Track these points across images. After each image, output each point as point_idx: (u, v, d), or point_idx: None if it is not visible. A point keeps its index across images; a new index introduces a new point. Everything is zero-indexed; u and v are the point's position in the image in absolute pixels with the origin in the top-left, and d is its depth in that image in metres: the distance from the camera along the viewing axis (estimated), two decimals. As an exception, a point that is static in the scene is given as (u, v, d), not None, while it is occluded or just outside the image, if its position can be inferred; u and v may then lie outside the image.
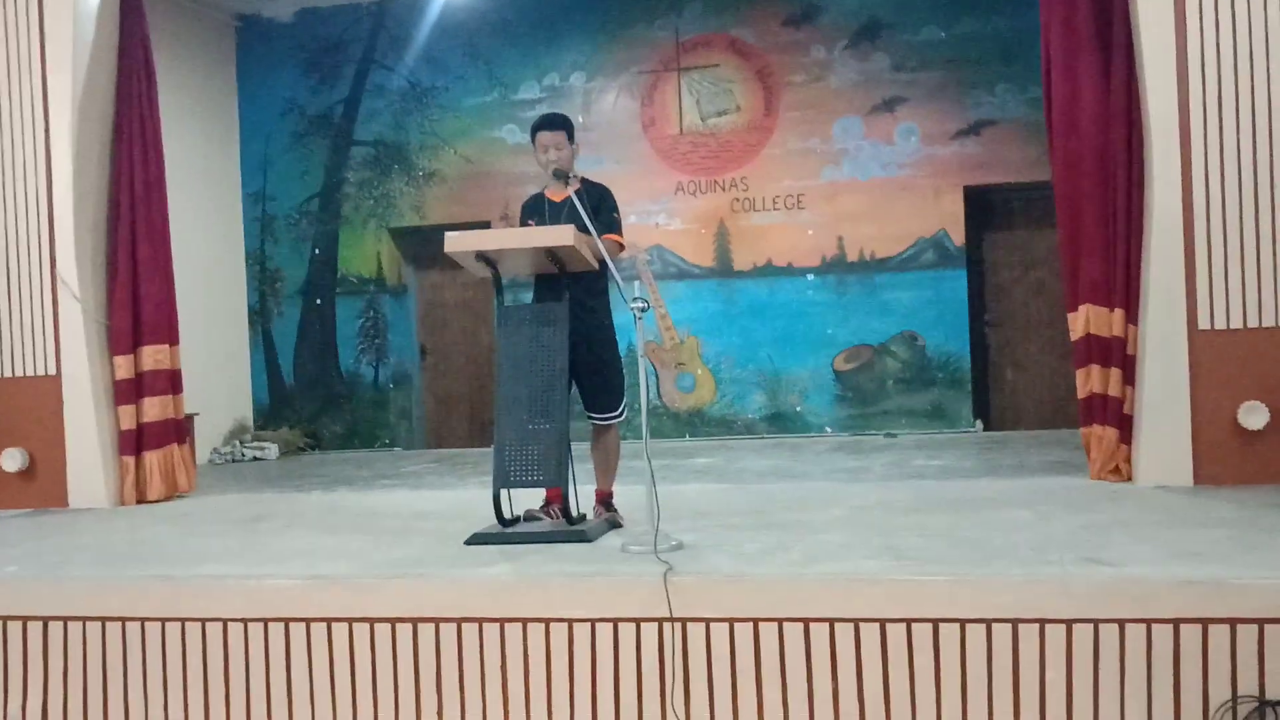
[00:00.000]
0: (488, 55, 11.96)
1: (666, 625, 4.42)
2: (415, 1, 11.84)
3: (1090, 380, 6.93)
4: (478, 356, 12.29)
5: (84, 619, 4.99)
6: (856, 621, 4.29)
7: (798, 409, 11.29)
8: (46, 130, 8.02)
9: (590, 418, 5.96)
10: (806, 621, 4.32)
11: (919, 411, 11.06)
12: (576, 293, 5.68)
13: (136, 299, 8.13)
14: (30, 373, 8.04)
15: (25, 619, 5.06)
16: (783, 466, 8.87)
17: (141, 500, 8.05)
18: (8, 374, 8.08)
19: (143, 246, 8.16)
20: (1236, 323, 6.49)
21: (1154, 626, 4.07)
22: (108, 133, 8.18)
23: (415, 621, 4.64)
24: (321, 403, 12.40)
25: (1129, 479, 6.75)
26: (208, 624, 4.85)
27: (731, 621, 4.38)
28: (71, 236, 7.94)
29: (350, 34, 12.30)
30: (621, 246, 5.84)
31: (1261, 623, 4.00)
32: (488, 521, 5.65)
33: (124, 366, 8.04)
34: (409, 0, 11.91)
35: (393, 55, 12.22)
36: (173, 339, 8.30)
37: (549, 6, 11.76)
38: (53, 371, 8.02)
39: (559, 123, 5.90)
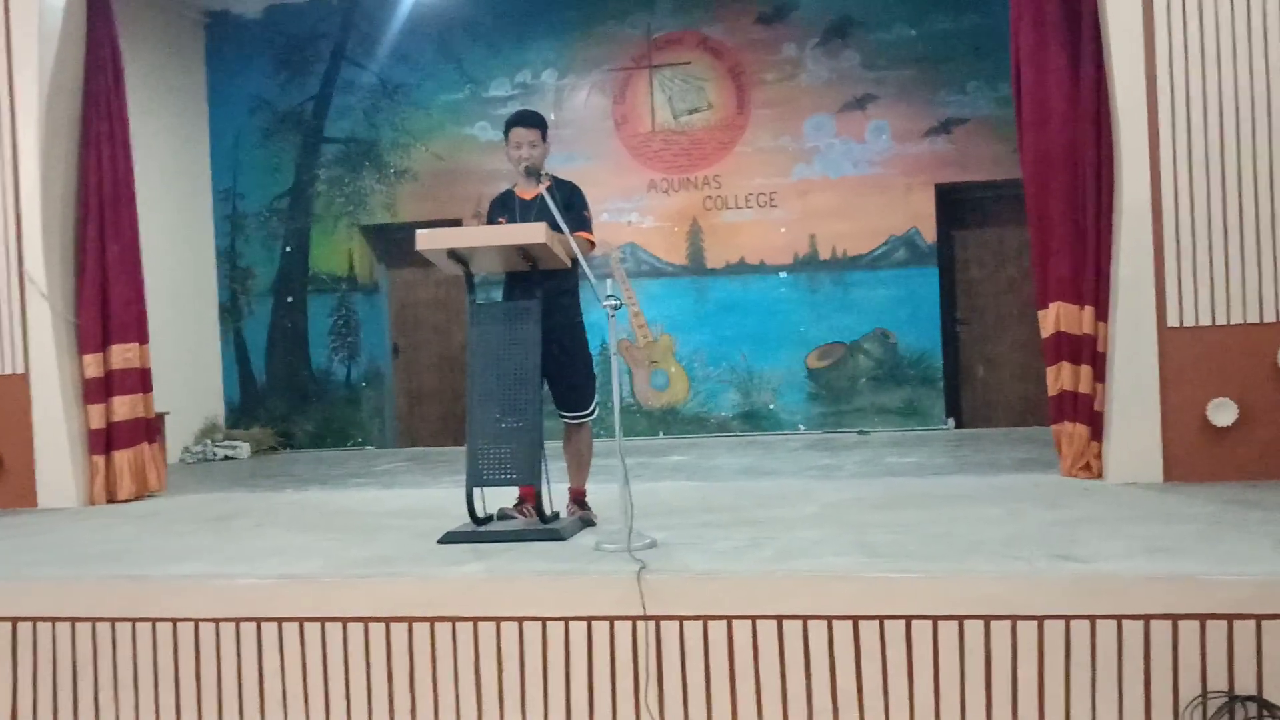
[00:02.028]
0: (459, 52, 11.92)
1: (640, 623, 4.42)
2: (385, -2, 11.81)
3: (1061, 377, 6.96)
4: (450, 354, 12.25)
5: (53, 619, 4.95)
6: (829, 619, 4.30)
7: (771, 407, 11.31)
8: (13, 127, 7.95)
9: (562, 416, 5.96)
10: (780, 619, 4.33)
11: (891, 409, 11.10)
12: (547, 290, 5.68)
13: (105, 297, 8.08)
14: (-3, 372, 7.98)
15: (-7, 620, 5.02)
16: (756, 464, 8.89)
17: (111, 500, 7.99)
18: (-25, 373, 8.02)
19: (111, 244, 8.11)
20: (1205, 320, 6.54)
21: (1125, 622, 4.10)
22: (75, 130, 8.12)
23: (388, 621, 4.63)
24: (293, 401, 12.34)
25: (1099, 476, 6.79)
26: (178, 624, 4.82)
27: (705, 619, 4.39)
28: (39, 234, 7.87)
29: (320, 30, 12.23)
30: (592, 244, 5.84)
31: (1230, 619, 4.03)
32: (461, 520, 5.64)
33: (93, 365, 7.98)
34: (379, -4, 11.88)
35: (363, 52, 12.17)
36: (142, 337, 8.24)
37: (520, 3, 11.74)
38: (21, 370, 7.96)
39: (534, 120, 5.89)
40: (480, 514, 5.60)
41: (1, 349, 7.97)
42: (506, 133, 5.89)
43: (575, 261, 5.58)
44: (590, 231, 5.85)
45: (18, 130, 7.93)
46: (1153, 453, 6.58)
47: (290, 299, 12.36)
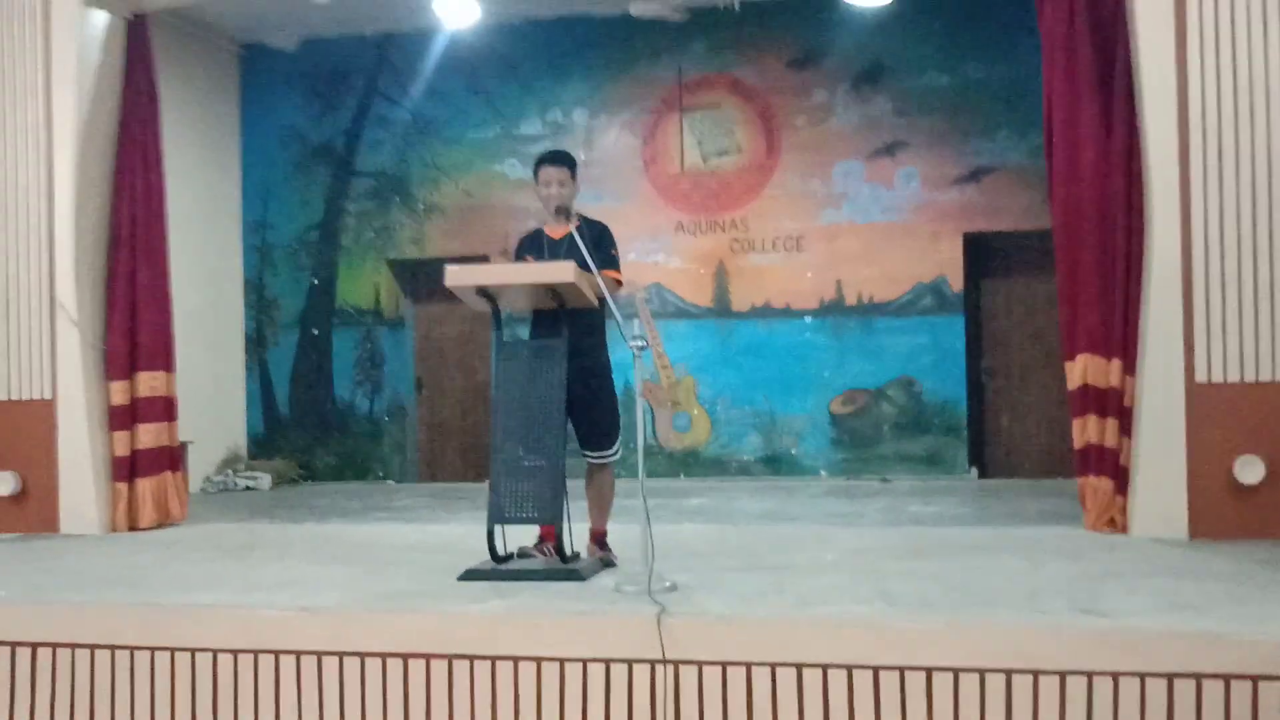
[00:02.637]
0: (490, 90, 12.00)
1: (659, 667, 4.39)
2: (419, 34, 11.87)
3: (1087, 430, 6.92)
4: (473, 390, 12.27)
5: (72, 646, 4.96)
6: (849, 668, 4.27)
7: (793, 451, 11.27)
8: (49, 153, 8.04)
9: (585, 456, 5.95)
10: (799, 666, 4.30)
11: (914, 457, 11.04)
12: (574, 329, 5.68)
13: (134, 324, 8.14)
14: (25, 396, 8.03)
15: (13, 645, 5.03)
16: (777, 509, 8.86)
17: (133, 527, 8.02)
18: (3, 397, 8.06)
19: (142, 272, 8.18)
20: (1234, 376, 6.50)
21: (1148, 680, 4.05)
22: (110, 157, 8.21)
23: (406, 657, 4.62)
24: (315, 433, 12.36)
25: (1124, 530, 6.73)
26: (197, 654, 4.83)
27: (724, 665, 4.36)
28: (71, 260, 7.95)
29: (354, 65, 12.33)
30: (619, 284, 5.84)
31: (1255, 679, 3.98)
32: (481, 557, 5.63)
33: (119, 392, 8.03)
34: (413, 33, 11.93)
35: (396, 87, 12.26)
36: (169, 366, 8.29)
37: (553, 43, 11.81)
38: (48, 395, 8.01)
39: (564, 159, 5.92)
40: (501, 552, 5.59)
41: (29, 373, 8.03)
42: (536, 171, 5.91)
43: (602, 301, 5.59)
44: (618, 271, 5.86)
45: (54, 157, 8.02)
46: (1178, 509, 6.53)
47: (316, 331, 12.41)
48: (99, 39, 8.04)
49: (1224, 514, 6.48)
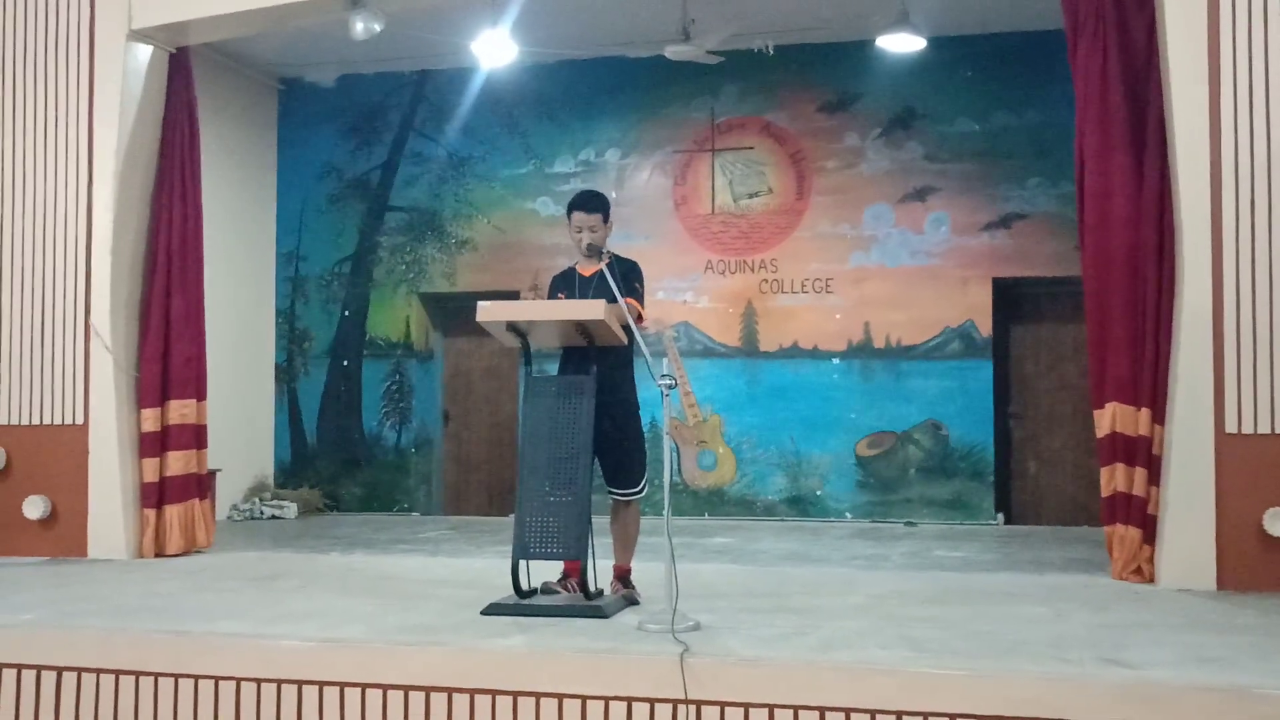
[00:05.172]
0: (525, 128, 12.09)
1: (681, 707, 4.39)
2: (456, 73, 12.00)
3: (1114, 478, 6.89)
4: (500, 425, 12.30)
5: (97, 671, 4.99)
6: (873, 712, 4.25)
7: (818, 493, 11.24)
8: (90, 181, 8.15)
9: (611, 493, 5.97)
10: (822, 710, 4.29)
11: (940, 501, 10.99)
12: (602, 367, 5.71)
13: (167, 353, 8.21)
14: (58, 421, 8.10)
15: (39, 668, 5.06)
16: (801, 550, 8.83)
17: (160, 554, 8.06)
18: (36, 421, 8.14)
19: (176, 301, 8.26)
20: (1265, 427, 6.46)
21: (1174, 733, 4.03)
22: (149, 187, 8.32)
23: (428, 690, 4.63)
24: (342, 464, 12.41)
25: (1151, 580, 6.68)
26: (220, 682, 4.85)
27: (747, 706, 4.35)
28: (107, 287, 8.05)
29: (390, 101, 12.46)
30: (641, 317, 5.84)
31: (1283, 734, 3.95)
32: (504, 591, 5.65)
33: (151, 419, 8.09)
34: (450, 71, 12.07)
35: (431, 124, 12.37)
36: (200, 394, 8.35)
37: (588, 83, 11.91)
38: (80, 421, 8.08)
39: (596, 205, 5.95)
40: (524, 587, 5.60)
41: (63, 399, 8.11)
42: (569, 214, 5.96)
43: (631, 339, 5.63)
44: (641, 303, 5.89)
45: (94, 185, 8.14)
46: (1206, 560, 6.48)
47: (346, 362, 12.48)
48: (142, 71, 8.16)
49: (1253, 566, 6.42)
